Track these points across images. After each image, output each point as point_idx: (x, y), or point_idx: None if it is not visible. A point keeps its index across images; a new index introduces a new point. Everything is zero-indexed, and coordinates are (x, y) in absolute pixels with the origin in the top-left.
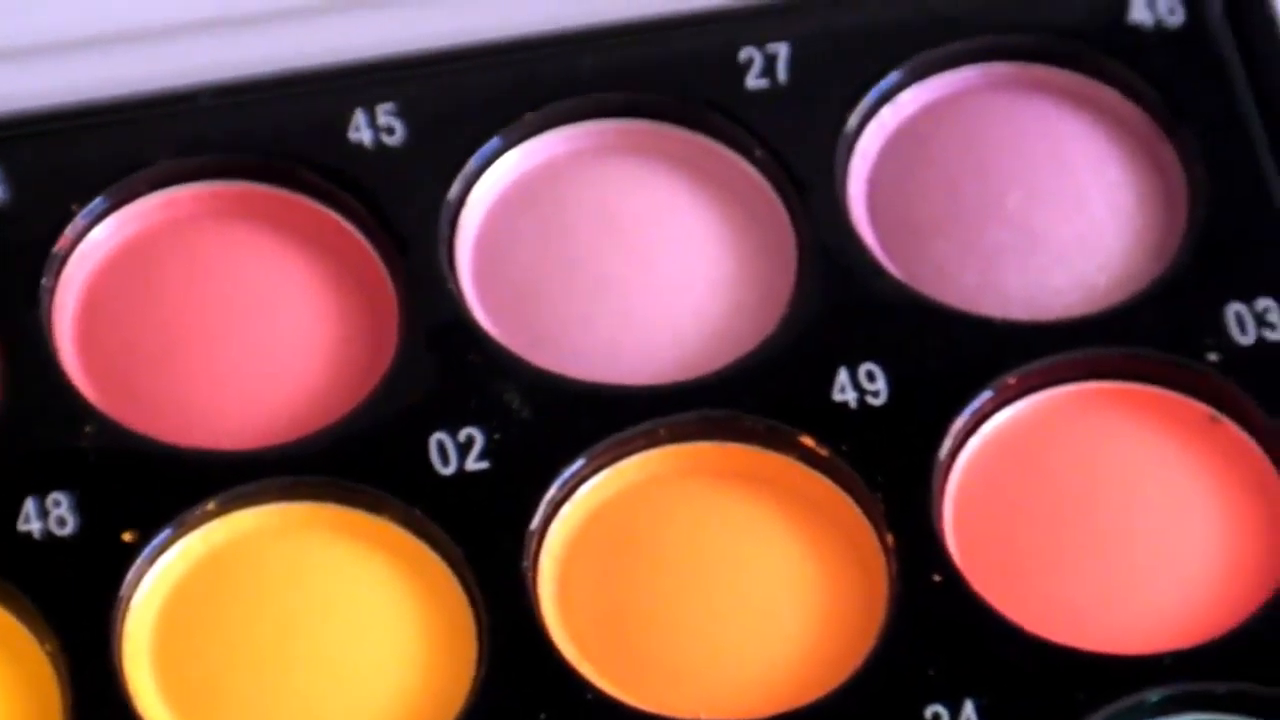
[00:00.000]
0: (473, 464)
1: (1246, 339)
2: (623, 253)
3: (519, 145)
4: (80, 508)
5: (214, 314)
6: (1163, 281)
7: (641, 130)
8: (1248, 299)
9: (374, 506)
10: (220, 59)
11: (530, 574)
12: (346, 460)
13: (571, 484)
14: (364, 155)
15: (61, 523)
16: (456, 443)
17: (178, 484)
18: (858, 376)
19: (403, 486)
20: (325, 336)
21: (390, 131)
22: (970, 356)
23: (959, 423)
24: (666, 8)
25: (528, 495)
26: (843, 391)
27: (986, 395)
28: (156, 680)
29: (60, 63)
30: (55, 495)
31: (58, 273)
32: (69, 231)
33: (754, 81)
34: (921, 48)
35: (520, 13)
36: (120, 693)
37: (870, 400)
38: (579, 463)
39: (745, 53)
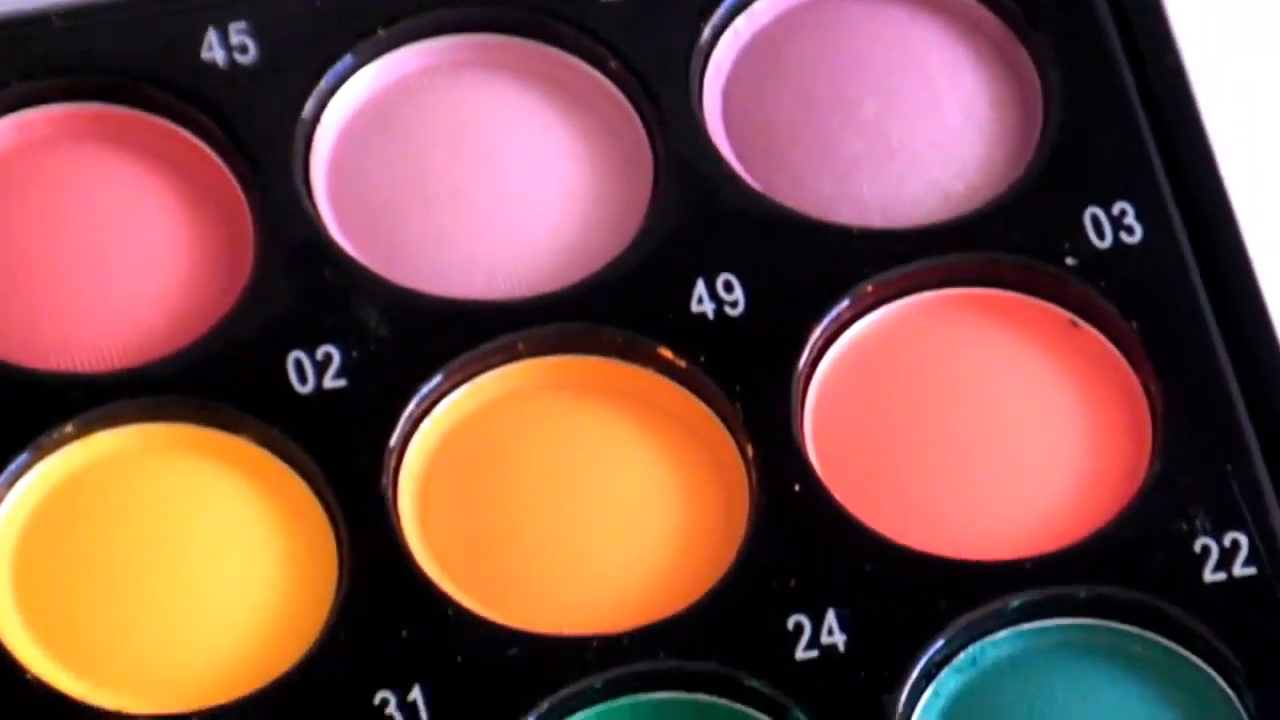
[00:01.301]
0: (330, 382)
1: (1104, 243)
2: (478, 169)
3: (372, 63)
4: None
5: (69, 236)
6: (1020, 187)
7: (495, 45)
8: (1104, 203)
9: (232, 426)
10: None
11: (390, 492)
12: (204, 380)
13: (430, 401)
14: (217, 75)
15: None
16: (314, 361)
17: (35, 408)
18: (715, 287)
19: (261, 405)
20: (181, 257)
21: (243, 50)
22: (828, 265)
23: (817, 332)
24: None
25: (386, 413)
26: (700, 303)
27: (844, 304)
28: (17, 604)
29: None
30: None
31: None
32: None
33: None
34: None
35: None
36: None
37: (728, 311)
38: (437, 379)
39: None
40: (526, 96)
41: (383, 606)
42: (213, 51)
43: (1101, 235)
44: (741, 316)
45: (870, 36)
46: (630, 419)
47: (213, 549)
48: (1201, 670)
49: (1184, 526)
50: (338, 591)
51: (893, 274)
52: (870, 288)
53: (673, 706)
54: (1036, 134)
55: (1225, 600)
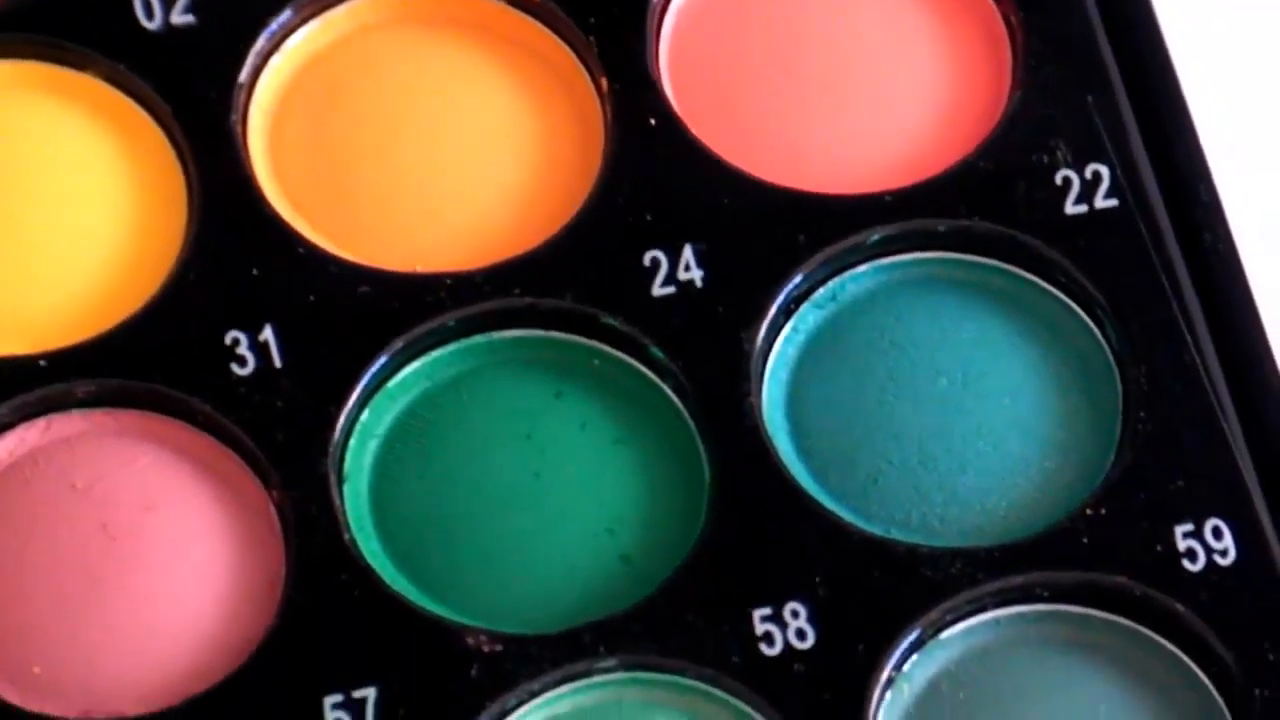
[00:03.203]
0: (178, 18)
1: None
2: None
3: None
4: None
5: None
6: None
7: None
8: None
9: (80, 64)
10: None
11: (239, 128)
12: (53, 21)
13: (280, 36)
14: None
15: None
16: None
17: None
18: None
19: (108, 42)
20: None
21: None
22: None
23: None
24: None
25: (235, 48)
26: None
27: None
28: None
29: None
30: None
31: None
32: None
33: None
34: None
35: None
36: None
37: None
38: (286, 14)
39: None
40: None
41: (233, 244)
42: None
43: None
44: None
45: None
46: (483, 52)
47: (62, 190)
48: (1061, 301)
49: (1045, 159)
50: (187, 231)
51: None
52: None
53: (527, 344)
54: None
55: (1086, 232)
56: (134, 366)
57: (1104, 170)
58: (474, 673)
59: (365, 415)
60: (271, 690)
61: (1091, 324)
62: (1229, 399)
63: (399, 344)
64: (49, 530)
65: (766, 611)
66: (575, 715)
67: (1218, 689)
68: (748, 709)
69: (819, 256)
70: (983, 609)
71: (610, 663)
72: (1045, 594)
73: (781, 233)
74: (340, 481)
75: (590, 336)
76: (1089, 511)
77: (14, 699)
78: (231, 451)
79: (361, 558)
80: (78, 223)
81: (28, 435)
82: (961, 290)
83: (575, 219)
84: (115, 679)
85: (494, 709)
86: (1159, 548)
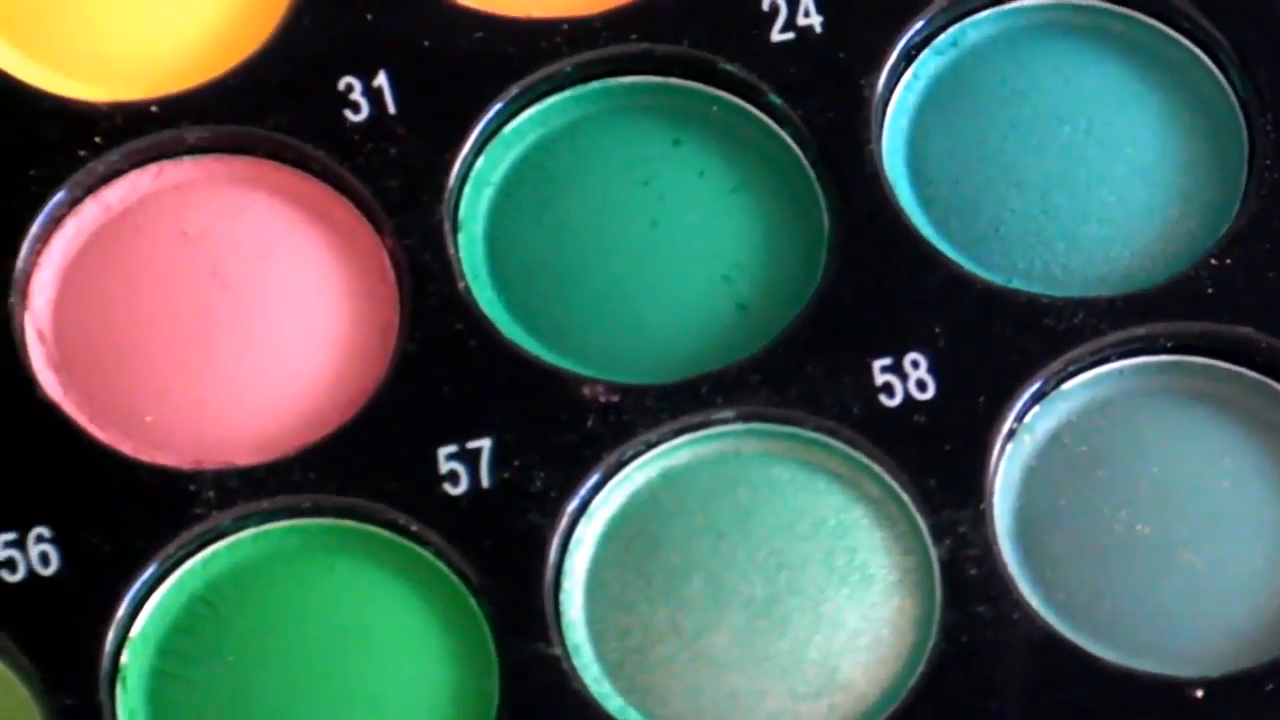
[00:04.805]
0: None
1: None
2: None
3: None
4: None
5: None
6: None
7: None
8: None
9: None
10: None
11: None
12: None
13: None
14: None
15: None
16: None
17: None
18: None
19: None
20: None
21: None
22: None
23: None
24: None
25: None
26: None
27: None
28: None
29: None
30: None
31: None
32: None
33: None
34: None
35: None
36: None
37: None
38: None
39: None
40: None
41: None
42: None
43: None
44: None
45: None
46: None
47: None
48: (1186, 48)
49: None
50: None
51: None
52: None
53: (644, 90)
54: None
55: None
56: (246, 113)
57: None
58: (590, 424)
59: (480, 162)
60: (385, 441)
61: (1216, 70)
62: None
63: (514, 90)
64: (161, 277)
65: (886, 362)
66: (692, 467)
67: None
68: (867, 460)
69: (940, 1)
70: (1105, 360)
71: (728, 414)
72: (1168, 344)
73: None
74: (455, 229)
75: (708, 83)
76: (1213, 261)
77: (126, 449)
78: (345, 199)
79: (476, 306)
80: None
81: (139, 182)
82: (1084, 36)
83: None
84: (227, 428)
85: (610, 460)
86: None
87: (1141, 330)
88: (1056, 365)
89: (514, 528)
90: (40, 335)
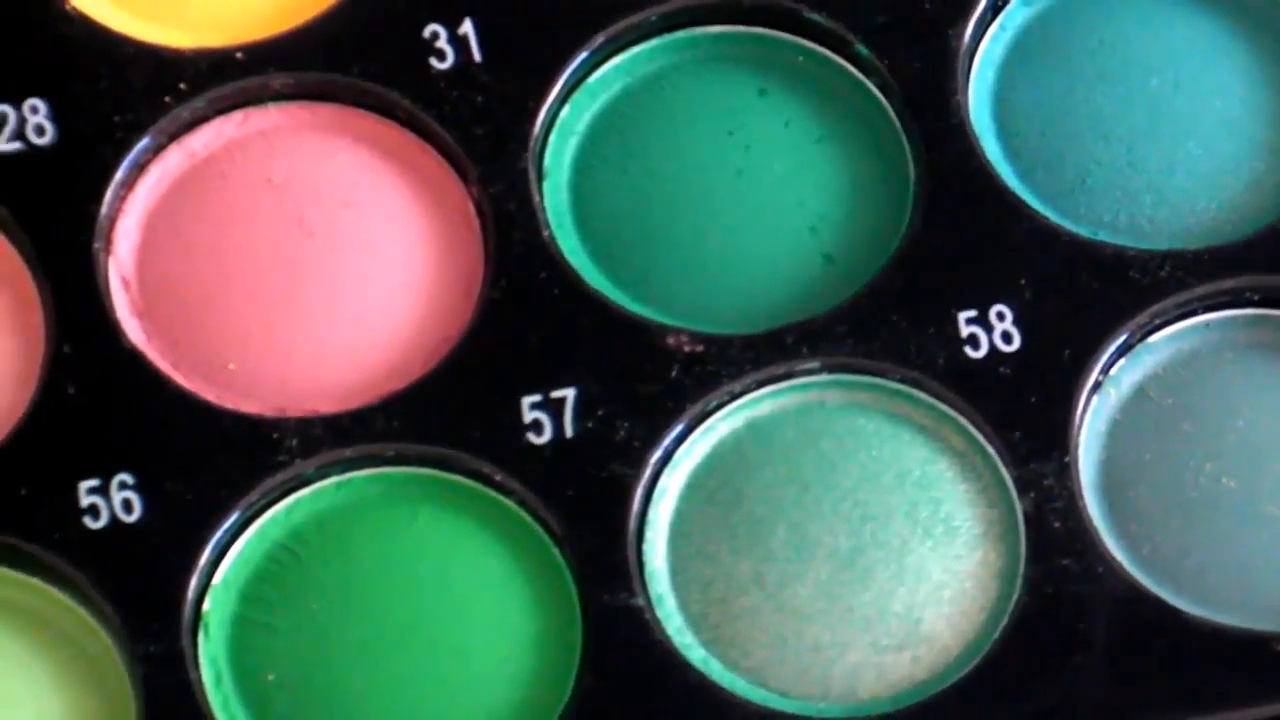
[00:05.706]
0: None
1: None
2: None
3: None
4: None
5: None
6: None
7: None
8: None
9: None
10: None
11: None
12: None
13: None
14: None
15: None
16: None
17: None
18: None
19: None
20: None
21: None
22: None
23: None
24: None
25: None
26: None
27: None
28: None
29: None
30: None
31: None
32: None
33: None
34: None
35: None
36: None
37: None
38: None
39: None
40: None
41: None
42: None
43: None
44: None
45: None
46: None
47: None
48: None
49: None
50: None
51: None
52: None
53: (730, 39)
54: None
55: None
56: (331, 60)
57: None
58: (674, 373)
59: (565, 111)
60: (469, 389)
61: None
62: None
63: (600, 39)
64: (245, 225)
65: (971, 314)
66: (776, 417)
67: None
68: (951, 412)
69: None
70: (1191, 313)
71: (813, 364)
72: (1255, 297)
73: None
74: (540, 178)
75: (794, 33)
76: None
77: (210, 396)
78: (430, 147)
79: (561, 255)
80: None
81: (224, 128)
82: None
83: None
84: (311, 376)
85: (694, 410)
86: None
87: (1228, 283)
88: (1142, 318)
89: (597, 477)
90: (124, 282)
